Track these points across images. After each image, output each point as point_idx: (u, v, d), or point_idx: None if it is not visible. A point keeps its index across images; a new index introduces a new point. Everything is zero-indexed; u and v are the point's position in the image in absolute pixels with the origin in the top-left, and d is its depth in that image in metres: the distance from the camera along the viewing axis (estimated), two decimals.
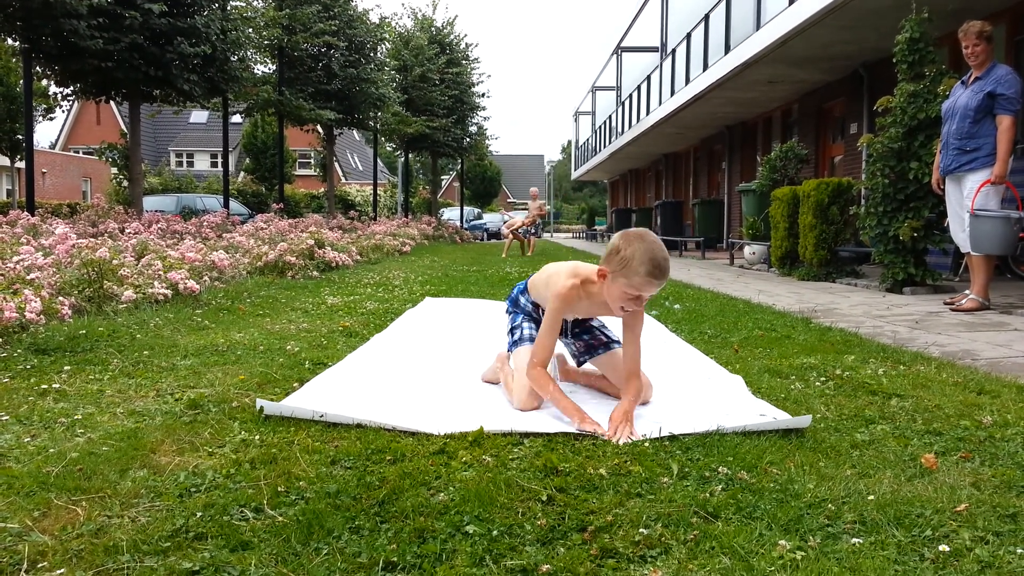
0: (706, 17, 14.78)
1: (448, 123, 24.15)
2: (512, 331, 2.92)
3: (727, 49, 13.17)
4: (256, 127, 31.44)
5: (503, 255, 14.80)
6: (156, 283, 5.13)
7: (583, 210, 47.05)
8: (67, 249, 5.46)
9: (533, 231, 16.27)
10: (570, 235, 46.33)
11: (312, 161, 38.65)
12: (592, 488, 1.84)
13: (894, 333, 4.42)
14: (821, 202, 8.33)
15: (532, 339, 2.75)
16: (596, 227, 37.14)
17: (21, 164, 23.81)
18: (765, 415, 2.42)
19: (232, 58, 13.00)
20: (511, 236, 15.73)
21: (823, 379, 3.03)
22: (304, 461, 2.01)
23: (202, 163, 46.33)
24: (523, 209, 52.70)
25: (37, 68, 11.49)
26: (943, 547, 1.51)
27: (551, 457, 2.03)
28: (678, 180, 25.32)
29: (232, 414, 2.47)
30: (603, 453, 2.11)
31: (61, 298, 4.26)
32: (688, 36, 16.20)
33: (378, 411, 2.47)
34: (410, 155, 27.35)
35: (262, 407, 2.46)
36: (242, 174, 34.51)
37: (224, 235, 9.88)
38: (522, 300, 2.99)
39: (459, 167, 34.73)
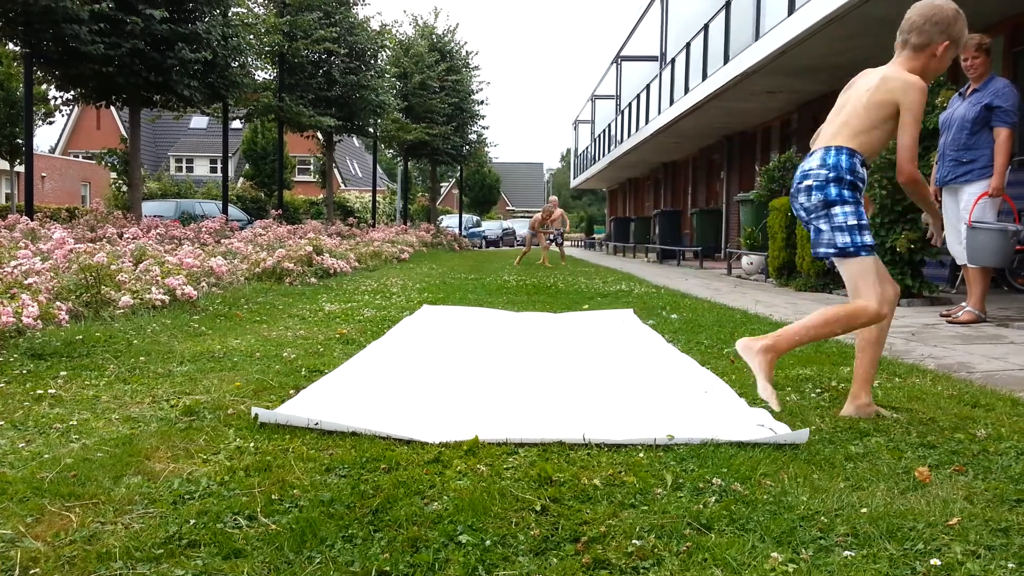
0: (705, 27, 14.83)
1: (447, 130, 24.20)
2: (862, 229, 2.48)
3: (726, 59, 13.21)
4: (256, 133, 31.48)
5: (542, 262, 14.66)
6: (154, 289, 5.13)
7: (582, 218, 47.17)
8: (65, 254, 5.46)
9: (553, 237, 15.90)
10: (569, 243, 46.31)
11: (311, 167, 38.69)
12: (586, 498, 1.84)
13: (890, 345, 4.43)
14: None
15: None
16: (595, 235, 37.17)
17: (20, 168, 23.83)
18: (763, 425, 2.43)
19: (233, 64, 13.04)
20: (544, 243, 15.51)
21: (818, 391, 3.03)
22: (298, 469, 2.01)
23: (201, 168, 46.34)
24: (523, 218, 52.69)
25: (38, 72, 11.51)
26: (935, 561, 1.51)
27: (545, 467, 2.03)
28: (677, 189, 25.36)
29: (227, 421, 2.47)
30: (598, 463, 2.11)
31: (58, 303, 4.26)
32: (687, 46, 16.25)
33: (373, 419, 2.47)
34: (409, 162, 27.39)
35: (257, 415, 2.46)
36: (241, 180, 34.53)
37: (222, 241, 9.89)
38: (860, 169, 2.61)
39: (458, 174, 34.77)
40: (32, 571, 1.44)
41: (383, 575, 1.45)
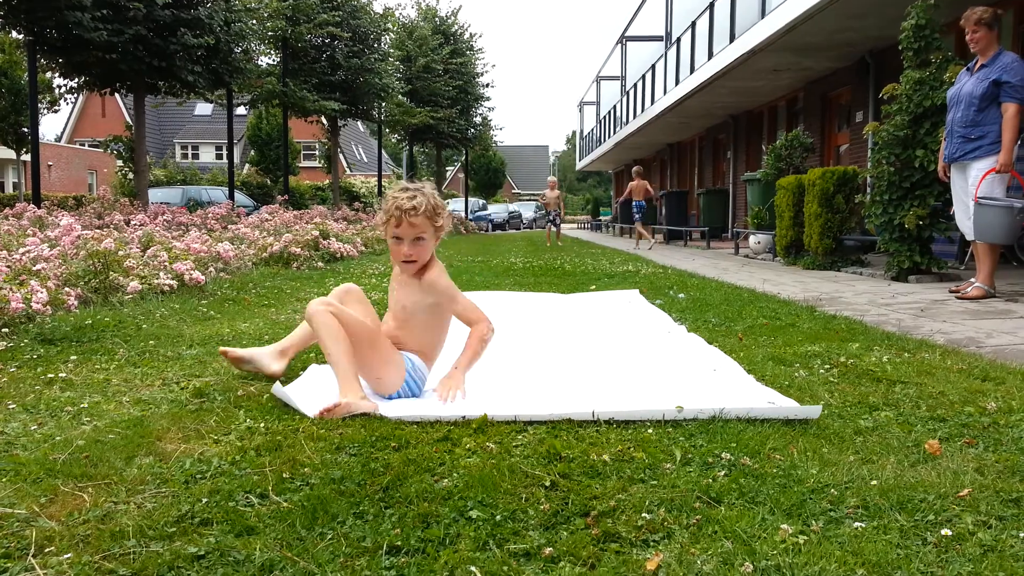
0: (711, 5, 14.71)
1: (452, 114, 24.14)
2: None
3: (732, 37, 13.11)
4: (260, 119, 31.47)
5: (549, 243, 15.98)
6: (162, 274, 5.15)
7: (588, 200, 46.98)
8: (72, 240, 5.48)
9: (551, 219, 16.64)
10: (575, 226, 46.23)
11: (317, 153, 38.68)
12: (595, 474, 1.84)
13: (899, 321, 4.42)
14: (826, 191, 8.31)
15: None
16: (601, 217, 37.08)
17: (27, 157, 23.87)
18: (773, 402, 2.42)
19: (236, 50, 13.02)
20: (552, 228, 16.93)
21: (827, 367, 3.03)
22: (309, 448, 2.02)
23: (207, 155, 46.37)
24: (529, 201, 52.64)
25: (42, 60, 11.51)
26: (945, 531, 1.51)
27: (555, 443, 2.03)
28: (683, 170, 25.26)
29: (237, 402, 2.48)
30: (607, 440, 2.11)
31: (67, 289, 4.28)
32: (693, 25, 16.13)
33: (382, 401, 2.49)
34: (414, 146, 27.34)
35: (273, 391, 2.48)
36: (247, 166, 34.53)
37: (229, 227, 9.90)
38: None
39: (464, 158, 34.72)
40: (47, 549, 1.45)
41: (394, 550, 1.45)
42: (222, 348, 2.81)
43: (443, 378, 2.63)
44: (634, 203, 15.83)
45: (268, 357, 2.78)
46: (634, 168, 16.82)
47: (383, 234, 2.67)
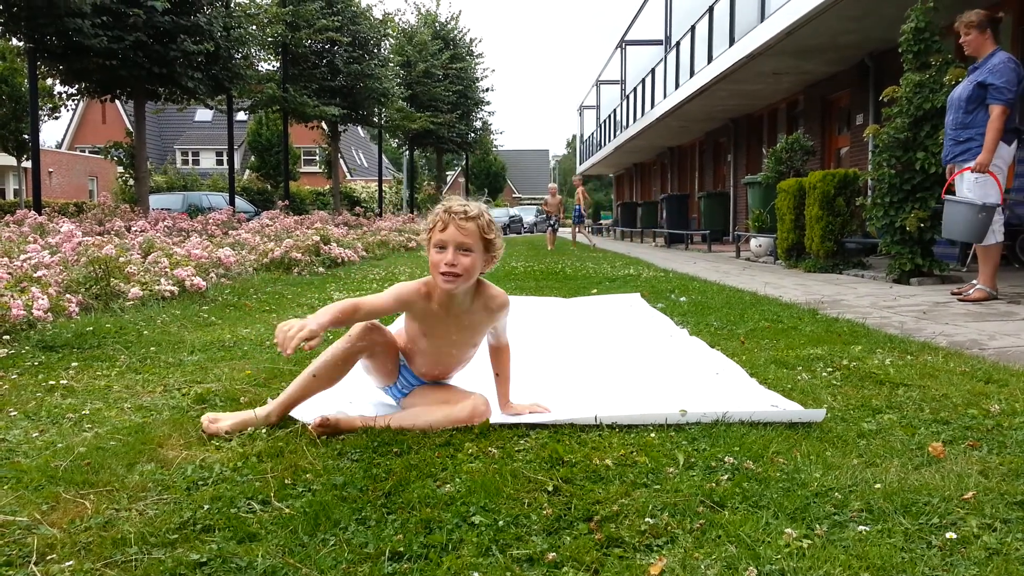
0: (710, 9, 14.72)
1: (452, 118, 24.17)
2: None
3: (731, 41, 13.12)
4: (261, 124, 31.50)
5: (550, 247, 16.12)
6: (163, 280, 5.15)
7: (588, 204, 47.01)
8: (73, 247, 5.48)
9: (551, 224, 16.80)
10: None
11: (317, 158, 38.70)
12: (598, 478, 1.84)
13: (901, 323, 4.41)
14: (827, 193, 8.30)
15: None
16: (602, 221, 37.06)
17: (28, 164, 23.89)
18: (776, 405, 2.42)
19: (236, 55, 13.04)
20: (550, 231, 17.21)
21: (830, 370, 3.02)
22: (311, 454, 2.02)
23: (207, 161, 46.38)
24: (530, 205, 52.67)
25: (42, 67, 11.53)
26: (950, 534, 1.50)
27: (557, 448, 2.03)
28: (683, 173, 25.25)
29: (239, 408, 2.47)
30: (609, 444, 2.10)
31: (68, 296, 4.28)
32: (692, 28, 16.14)
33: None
34: (415, 151, 27.36)
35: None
36: (247, 172, 34.56)
37: (230, 232, 9.90)
38: None
39: (464, 162, 34.75)
40: (49, 557, 1.45)
41: (397, 556, 1.45)
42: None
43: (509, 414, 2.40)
44: (576, 208, 18.62)
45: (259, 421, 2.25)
46: (574, 178, 19.58)
47: (428, 254, 2.26)
